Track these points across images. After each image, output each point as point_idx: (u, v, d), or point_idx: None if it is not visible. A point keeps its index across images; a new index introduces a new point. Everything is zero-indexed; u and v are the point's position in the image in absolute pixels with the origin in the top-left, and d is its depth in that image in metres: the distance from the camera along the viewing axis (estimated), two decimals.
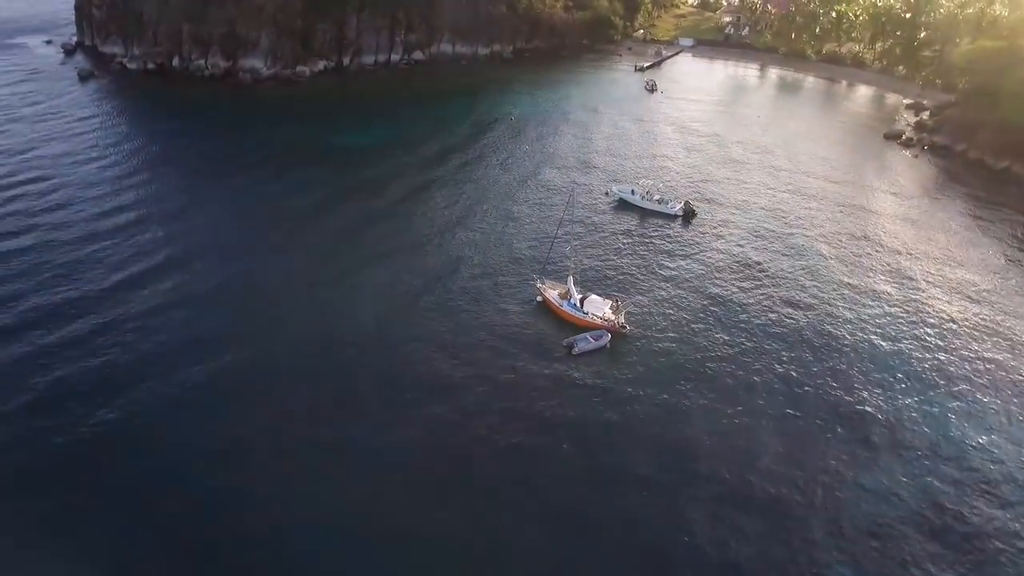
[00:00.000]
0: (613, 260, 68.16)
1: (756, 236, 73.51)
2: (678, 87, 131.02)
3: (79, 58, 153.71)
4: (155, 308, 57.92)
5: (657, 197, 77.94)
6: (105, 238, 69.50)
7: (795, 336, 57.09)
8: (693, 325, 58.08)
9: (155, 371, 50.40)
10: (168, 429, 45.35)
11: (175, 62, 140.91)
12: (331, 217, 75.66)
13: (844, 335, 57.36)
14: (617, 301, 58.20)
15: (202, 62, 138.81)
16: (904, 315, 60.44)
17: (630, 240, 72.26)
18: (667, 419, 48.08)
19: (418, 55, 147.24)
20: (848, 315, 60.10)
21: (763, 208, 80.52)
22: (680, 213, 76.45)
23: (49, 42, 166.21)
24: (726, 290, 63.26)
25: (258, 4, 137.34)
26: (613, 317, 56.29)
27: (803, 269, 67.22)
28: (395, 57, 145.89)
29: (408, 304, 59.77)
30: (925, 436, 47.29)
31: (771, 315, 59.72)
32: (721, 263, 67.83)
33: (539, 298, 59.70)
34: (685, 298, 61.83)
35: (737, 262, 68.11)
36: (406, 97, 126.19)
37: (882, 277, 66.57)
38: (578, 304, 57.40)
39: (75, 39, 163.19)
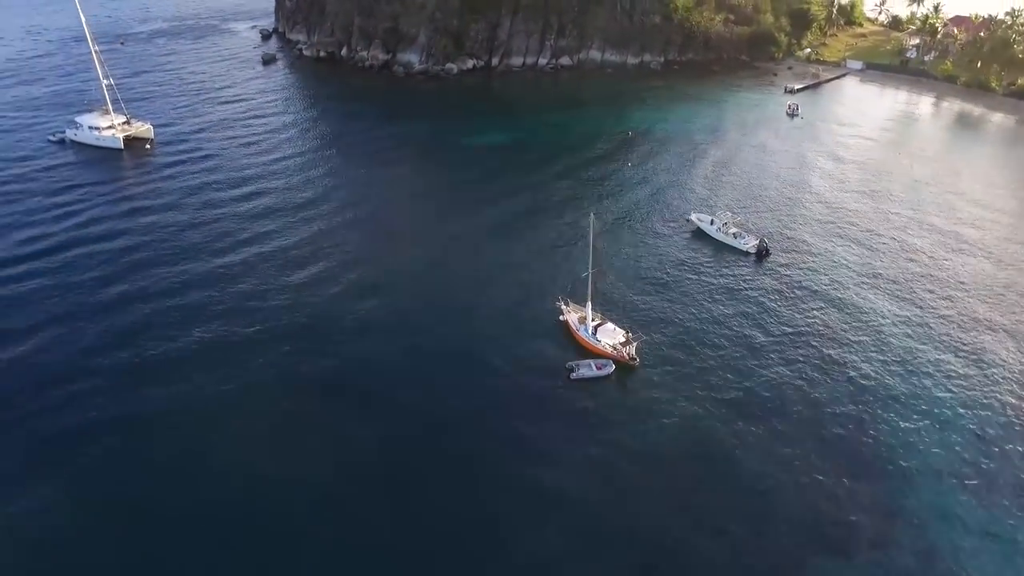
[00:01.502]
0: (655, 288, 66.03)
1: (833, 295, 66.17)
2: (827, 114, 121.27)
3: (271, 43, 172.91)
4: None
5: (733, 231, 73.86)
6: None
7: (818, 412, 52.13)
8: (711, 372, 55.00)
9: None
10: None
11: (343, 52, 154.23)
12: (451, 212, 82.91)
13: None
14: (629, 332, 56.66)
15: (364, 53, 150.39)
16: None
17: (684, 270, 69.40)
18: (617, 468, 46.30)
19: (565, 60, 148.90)
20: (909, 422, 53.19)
21: (866, 267, 71.53)
22: (752, 251, 71.96)
23: (253, 28, 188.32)
24: (764, 341, 58.88)
25: (420, 2, 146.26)
26: (623, 348, 54.97)
27: (884, 352, 58.60)
28: (542, 61, 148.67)
29: (465, 308, 62.55)
30: None
31: (800, 381, 54.72)
32: (772, 312, 63.06)
33: (561, 317, 59.64)
34: (714, 341, 58.57)
35: (794, 314, 63.00)
36: (541, 101, 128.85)
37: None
38: (592, 331, 56.68)
39: (272, 26, 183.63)
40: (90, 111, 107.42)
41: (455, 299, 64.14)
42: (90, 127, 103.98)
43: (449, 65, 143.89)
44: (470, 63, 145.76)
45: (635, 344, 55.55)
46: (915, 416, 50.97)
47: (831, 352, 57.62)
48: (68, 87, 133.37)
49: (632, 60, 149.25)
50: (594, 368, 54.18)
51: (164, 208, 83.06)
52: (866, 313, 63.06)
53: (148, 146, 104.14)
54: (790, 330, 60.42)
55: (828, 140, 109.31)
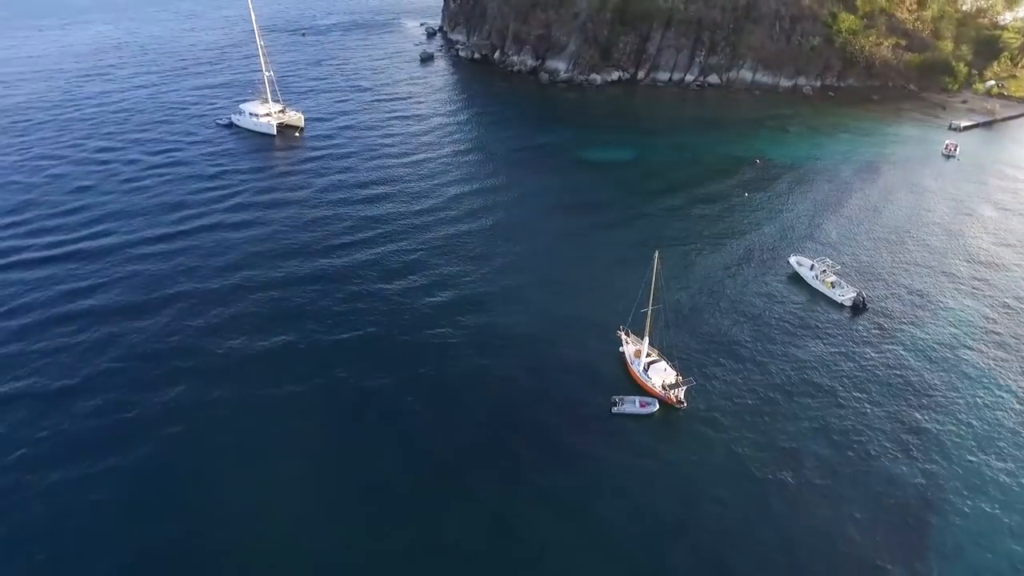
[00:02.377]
0: (726, 331, 64.47)
1: (936, 356, 61.81)
2: (998, 157, 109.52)
3: (433, 42, 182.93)
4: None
5: (832, 279, 70.05)
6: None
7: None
8: (760, 426, 53.59)
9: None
10: None
11: (496, 55, 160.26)
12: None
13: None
14: (680, 375, 56.20)
15: (515, 58, 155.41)
16: None
17: (762, 315, 67.03)
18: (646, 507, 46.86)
19: (713, 78, 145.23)
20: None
21: (992, 335, 65.77)
22: (848, 303, 67.96)
23: (422, 25, 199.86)
24: (829, 404, 56.15)
25: (573, 11, 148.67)
26: (671, 389, 54.76)
27: (973, 431, 55.04)
28: (689, 77, 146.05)
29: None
30: None
31: (857, 445, 51.93)
32: (849, 375, 59.64)
33: (620, 348, 60.27)
34: (770, 396, 56.69)
35: (871, 378, 59.29)
36: (677, 119, 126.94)
37: None
38: (644, 367, 56.89)
39: (438, 25, 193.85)
40: (253, 99, 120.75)
41: (533, 319, 66.52)
42: (250, 113, 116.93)
43: (593, 75, 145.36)
44: (615, 75, 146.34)
45: (684, 388, 55.17)
46: (995, 505, 47.09)
47: (911, 419, 54.02)
48: (242, 76, 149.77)
49: (785, 83, 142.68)
50: (637, 405, 54.59)
51: (297, 202, 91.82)
52: (970, 385, 58.14)
53: (297, 134, 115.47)
54: (862, 394, 57.14)
55: (993, 186, 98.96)
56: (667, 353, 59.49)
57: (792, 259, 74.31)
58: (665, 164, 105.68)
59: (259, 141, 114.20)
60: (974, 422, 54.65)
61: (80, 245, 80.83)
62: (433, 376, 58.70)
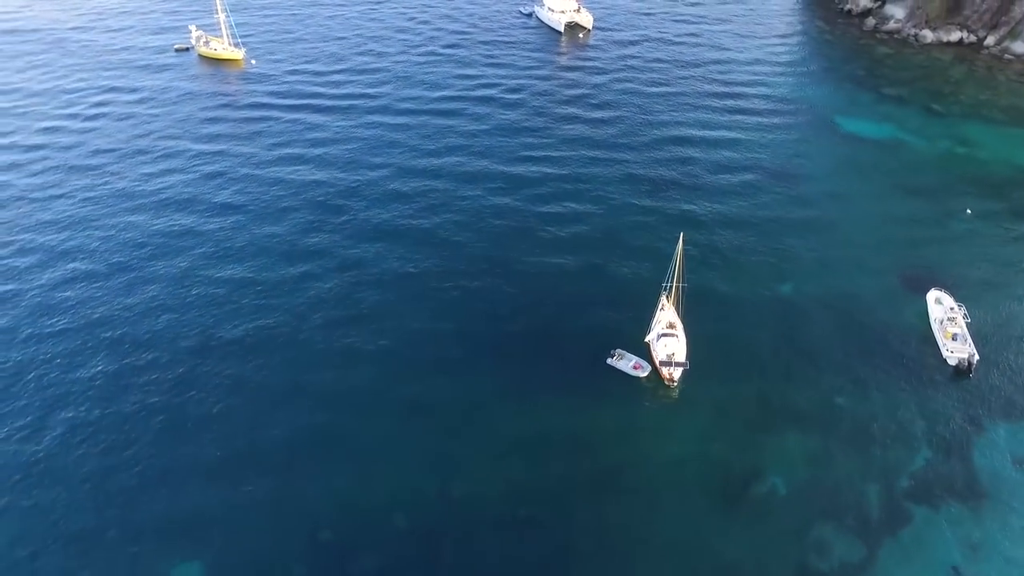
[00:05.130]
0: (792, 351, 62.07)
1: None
2: None
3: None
4: None
5: (953, 331, 60.55)
6: None
7: None
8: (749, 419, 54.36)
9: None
10: None
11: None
12: None
13: None
14: (687, 362, 57.66)
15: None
16: None
17: (840, 351, 62.23)
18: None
19: None
20: None
21: None
22: (952, 362, 59.12)
23: None
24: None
25: None
26: (669, 366, 57.15)
27: None
28: None
29: None
30: None
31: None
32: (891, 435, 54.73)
33: (658, 310, 62.43)
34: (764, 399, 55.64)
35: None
36: (984, 106, 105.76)
37: None
38: (657, 335, 59.38)
39: None
40: None
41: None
42: (548, 8, 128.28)
43: (926, 31, 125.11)
44: (955, 35, 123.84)
45: (682, 369, 57.10)
46: None
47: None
48: None
49: None
50: (631, 367, 58.46)
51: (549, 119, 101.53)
52: None
53: (581, 35, 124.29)
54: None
55: None
56: (689, 333, 60.83)
57: (933, 293, 65.18)
58: (939, 157, 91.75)
59: (548, 36, 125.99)
60: None
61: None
62: None
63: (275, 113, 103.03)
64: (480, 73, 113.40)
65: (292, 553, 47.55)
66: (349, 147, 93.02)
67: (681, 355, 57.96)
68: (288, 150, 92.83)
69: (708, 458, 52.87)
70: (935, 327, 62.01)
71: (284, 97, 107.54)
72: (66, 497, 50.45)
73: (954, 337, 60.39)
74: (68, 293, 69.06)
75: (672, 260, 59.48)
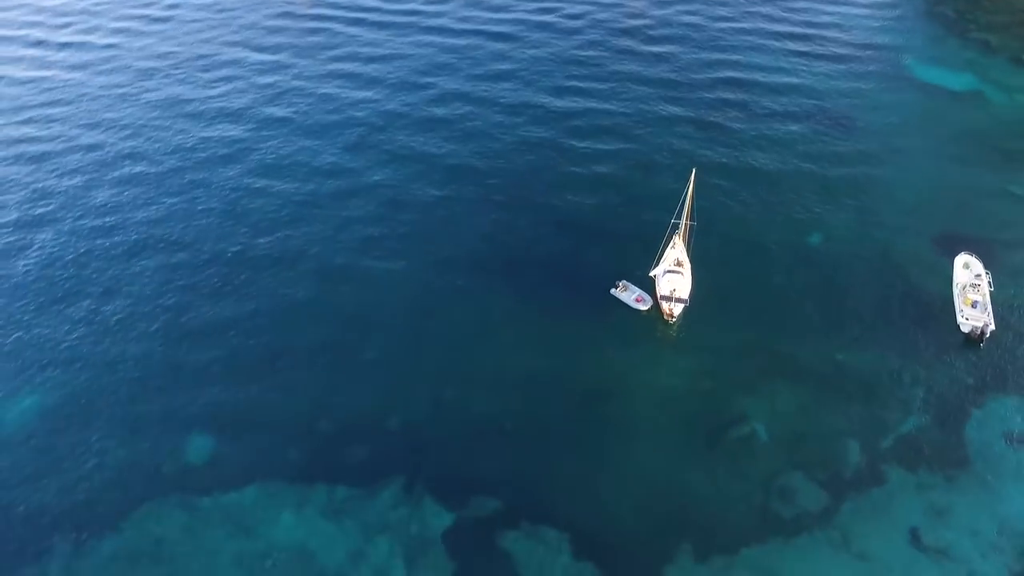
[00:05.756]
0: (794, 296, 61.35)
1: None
2: None
3: None
4: None
5: (973, 298, 58.22)
6: None
7: None
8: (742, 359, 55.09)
9: None
10: None
11: None
12: None
13: None
14: (688, 300, 58.03)
15: None
16: None
17: (854, 299, 61.01)
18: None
19: None
20: None
21: None
22: (965, 329, 57.26)
23: None
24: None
25: None
26: (670, 301, 57.80)
27: None
28: None
29: None
30: None
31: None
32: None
33: (670, 246, 62.66)
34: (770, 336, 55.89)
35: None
36: None
37: None
38: (663, 271, 59.78)
39: None
40: None
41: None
42: None
43: None
44: None
45: (682, 306, 57.68)
46: None
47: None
48: None
49: None
50: (633, 299, 59.39)
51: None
52: None
53: None
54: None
55: None
56: (696, 274, 60.99)
57: (962, 257, 62.65)
58: (1017, 116, 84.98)
59: None
60: None
61: None
62: None
63: (335, 26, 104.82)
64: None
65: (292, 439, 52.15)
66: (400, 64, 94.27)
67: (684, 292, 58.42)
68: (342, 65, 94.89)
69: (695, 396, 53.98)
70: (956, 291, 60.04)
71: (345, 9, 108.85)
72: (110, 379, 56.62)
73: (973, 304, 58.37)
74: (119, 190, 74.59)
75: (682, 196, 59.18)
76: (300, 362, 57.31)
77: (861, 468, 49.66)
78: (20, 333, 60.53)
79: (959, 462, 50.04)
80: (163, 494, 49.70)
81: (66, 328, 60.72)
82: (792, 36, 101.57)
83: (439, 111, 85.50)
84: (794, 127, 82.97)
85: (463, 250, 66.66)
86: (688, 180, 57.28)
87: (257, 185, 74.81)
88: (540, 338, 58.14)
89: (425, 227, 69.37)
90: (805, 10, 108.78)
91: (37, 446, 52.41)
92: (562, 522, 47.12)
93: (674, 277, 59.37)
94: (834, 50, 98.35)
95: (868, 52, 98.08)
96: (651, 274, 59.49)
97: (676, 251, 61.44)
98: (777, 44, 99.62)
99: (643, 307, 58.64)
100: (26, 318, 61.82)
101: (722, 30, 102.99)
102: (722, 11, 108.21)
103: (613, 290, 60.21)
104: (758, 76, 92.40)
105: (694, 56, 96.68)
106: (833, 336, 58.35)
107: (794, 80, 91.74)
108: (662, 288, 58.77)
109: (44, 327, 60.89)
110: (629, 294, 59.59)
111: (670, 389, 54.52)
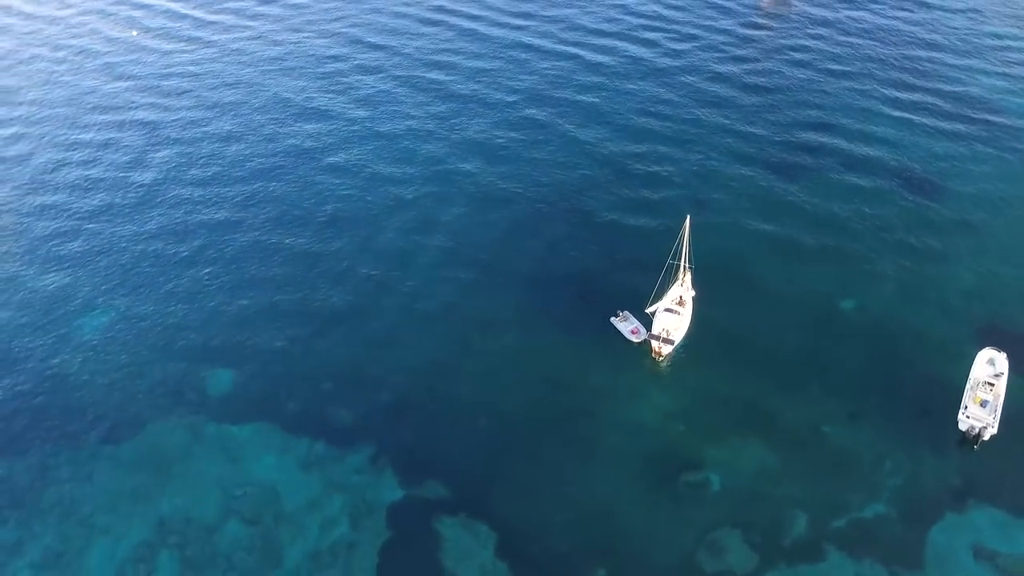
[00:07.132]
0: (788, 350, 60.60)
1: None
2: None
3: None
4: None
5: (983, 396, 54.92)
6: None
7: None
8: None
9: None
10: None
11: None
12: None
13: None
14: (678, 342, 59.05)
15: None
16: None
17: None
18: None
19: None
20: None
21: None
22: (963, 428, 54.38)
23: None
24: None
25: None
26: (661, 339, 59.06)
27: None
28: None
29: None
30: None
31: None
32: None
33: (678, 283, 63.57)
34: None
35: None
36: None
37: None
38: (661, 308, 61.01)
39: None
40: None
41: None
42: None
43: None
44: None
45: (672, 347, 58.92)
46: None
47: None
48: None
49: None
50: (629, 330, 61.27)
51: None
52: None
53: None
54: None
55: None
56: (696, 316, 61.83)
57: (987, 352, 59.05)
58: None
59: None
60: None
61: None
62: None
63: (452, 19, 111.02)
64: (654, 12, 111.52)
65: (295, 393, 59.50)
66: (493, 64, 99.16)
67: (677, 333, 59.55)
68: (442, 58, 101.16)
69: (662, 434, 55.45)
70: (968, 386, 56.98)
71: (461, 3, 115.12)
72: (166, 309, 66.90)
73: (983, 403, 55.36)
74: (221, 146, 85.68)
75: (678, 238, 60.18)
76: (317, 325, 64.58)
77: (802, 541, 49.44)
78: (111, 256, 72.23)
79: (911, 562, 48.52)
80: (178, 415, 58.38)
81: (140, 258, 71.75)
82: (906, 86, 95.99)
83: (515, 113, 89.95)
84: (868, 181, 79.49)
85: (495, 249, 71.34)
86: (683, 224, 58.56)
87: (328, 160, 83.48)
88: (537, 349, 61.58)
89: (469, 219, 75.08)
90: (929, 64, 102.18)
91: (102, 351, 63.02)
92: (497, 521, 50.84)
93: (670, 317, 60.36)
94: (946, 106, 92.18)
95: (986, 111, 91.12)
96: (648, 310, 60.99)
97: (681, 288, 62.49)
98: (886, 92, 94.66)
99: (636, 339, 60.40)
100: (123, 244, 73.74)
101: (830, 72, 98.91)
102: (838, 52, 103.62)
103: (613, 318, 62.26)
104: (850, 122, 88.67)
105: (790, 96, 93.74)
106: (826, 406, 57.40)
107: (889, 131, 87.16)
108: (655, 326, 60.03)
109: (123, 254, 72.31)
110: (627, 324, 61.46)
111: (641, 423, 56.30)
